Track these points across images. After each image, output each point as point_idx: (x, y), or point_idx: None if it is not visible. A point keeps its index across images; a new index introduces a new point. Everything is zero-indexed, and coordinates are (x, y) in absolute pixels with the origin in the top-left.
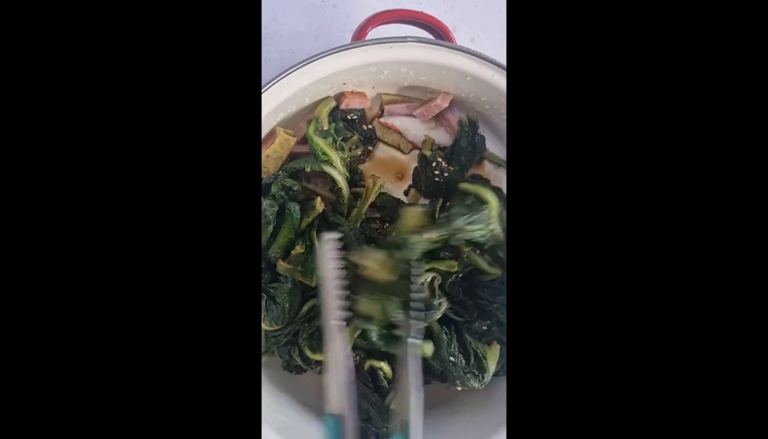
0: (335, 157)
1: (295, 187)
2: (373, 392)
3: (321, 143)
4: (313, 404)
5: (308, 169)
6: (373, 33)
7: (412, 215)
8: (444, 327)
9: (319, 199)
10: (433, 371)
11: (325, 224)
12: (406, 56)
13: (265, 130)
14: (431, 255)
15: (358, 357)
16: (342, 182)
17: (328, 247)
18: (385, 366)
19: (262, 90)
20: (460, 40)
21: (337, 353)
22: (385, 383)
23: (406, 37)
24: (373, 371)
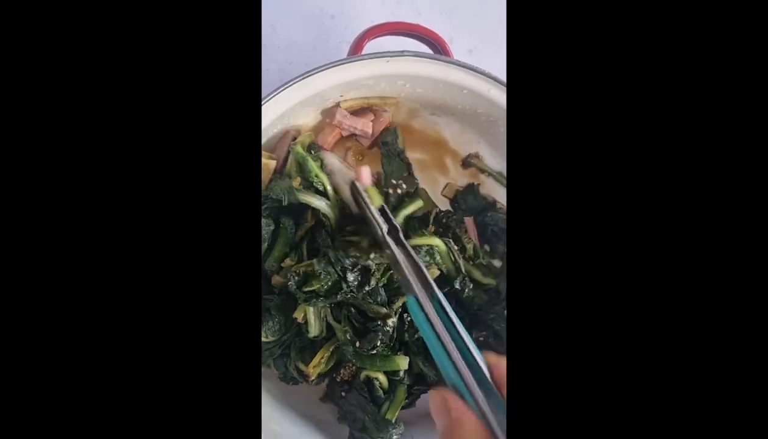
0: (325, 179)
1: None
2: (369, 402)
3: (314, 167)
4: (309, 414)
5: (285, 203)
6: (370, 45)
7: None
8: None
9: (310, 211)
10: (428, 380)
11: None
12: (403, 70)
13: None
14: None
15: (354, 368)
16: (327, 210)
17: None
18: (381, 376)
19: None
20: (457, 50)
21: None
22: (380, 393)
23: (403, 51)
24: (369, 381)
